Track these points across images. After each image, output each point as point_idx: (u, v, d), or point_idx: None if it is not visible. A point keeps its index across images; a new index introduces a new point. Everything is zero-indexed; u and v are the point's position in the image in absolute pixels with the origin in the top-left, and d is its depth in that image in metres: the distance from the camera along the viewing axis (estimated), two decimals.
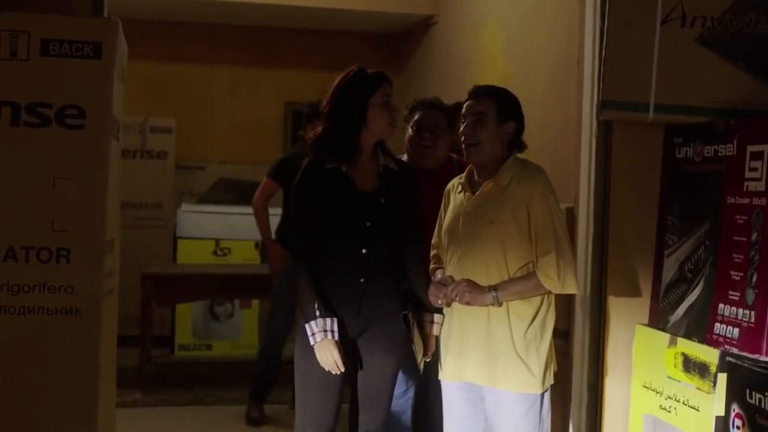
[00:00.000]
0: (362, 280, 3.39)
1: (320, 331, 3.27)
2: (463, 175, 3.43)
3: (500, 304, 3.21)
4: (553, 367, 3.31)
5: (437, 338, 3.46)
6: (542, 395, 3.27)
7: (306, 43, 8.17)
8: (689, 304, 3.48)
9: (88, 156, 2.68)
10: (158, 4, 7.68)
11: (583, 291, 3.81)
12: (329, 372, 3.30)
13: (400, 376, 4.00)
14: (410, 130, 4.11)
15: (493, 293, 3.20)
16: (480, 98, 3.31)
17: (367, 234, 3.39)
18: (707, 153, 3.47)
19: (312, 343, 3.28)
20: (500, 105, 3.30)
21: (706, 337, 3.32)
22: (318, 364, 3.30)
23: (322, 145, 3.44)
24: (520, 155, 3.41)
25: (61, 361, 2.66)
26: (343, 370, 3.30)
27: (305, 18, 7.84)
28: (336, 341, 3.28)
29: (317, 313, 3.29)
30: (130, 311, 6.78)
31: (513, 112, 3.33)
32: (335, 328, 3.29)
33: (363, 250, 3.38)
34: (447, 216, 3.43)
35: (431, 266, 3.52)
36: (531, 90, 5.54)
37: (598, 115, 3.70)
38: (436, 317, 3.44)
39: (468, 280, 3.24)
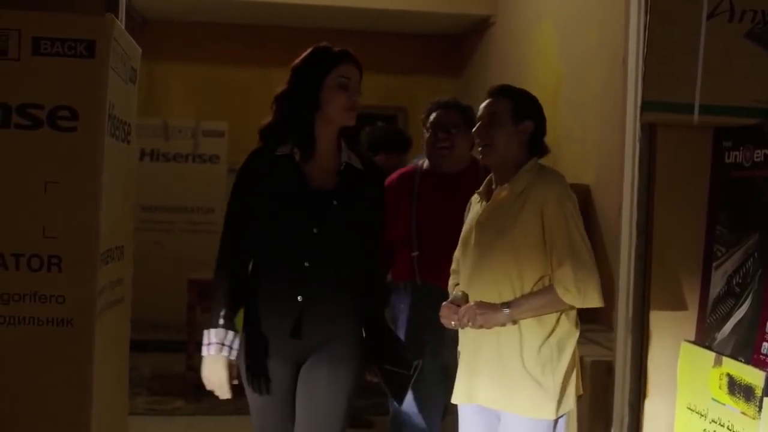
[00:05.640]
0: (300, 298, 2.91)
1: (217, 343, 2.85)
2: (484, 183, 3.19)
3: (515, 322, 2.96)
4: (575, 390, 3.03)
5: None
6: (556, 422, 2.97)
7: (361, 45, 7.94)
8: (737, 320, 3.23)
9: (81, 159, 2.52)
10: (211, 7, 7.65)
11: (625, 304, 3.59)
12: (285, 390, 2.94)
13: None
14: (427, 133, 3.94)
15: (507, 310, 2.95)
16: (495, 97, 3.10)
17: (312, 243, 2.91)
18: (757, 157, 3.22)
19: (203, 353, 2.88)
20: (517, 103, 3.07)
21: (753, 358, 3.07)
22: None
23: (271, 131, 3.03)
24: (542, 161, 3.14)
25: (52, 374, 2.53)
26: (228, 396, 2.90)
27: (360, 19, 7.72)
28: (230, 360, 2.87)
29: (220, 321, 2.86)
30: (179, 316, 6.77)
31: (531, 111, 3.09)
32: (235, 345, 2.87)
33: (305, 263, 2.90)
34: (464, 226, 3.20)
35: (450, 282, 3.29)
36: (584, 91, 5.35)
37: (641, 116, 3.47)
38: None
39: (480, 302, 3.00)
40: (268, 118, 3.07)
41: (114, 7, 3.13)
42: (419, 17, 7.72)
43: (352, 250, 2.98)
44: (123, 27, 2.89)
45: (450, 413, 3.95)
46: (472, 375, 3.06)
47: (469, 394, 3.08)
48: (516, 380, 2.97)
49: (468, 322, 2.99)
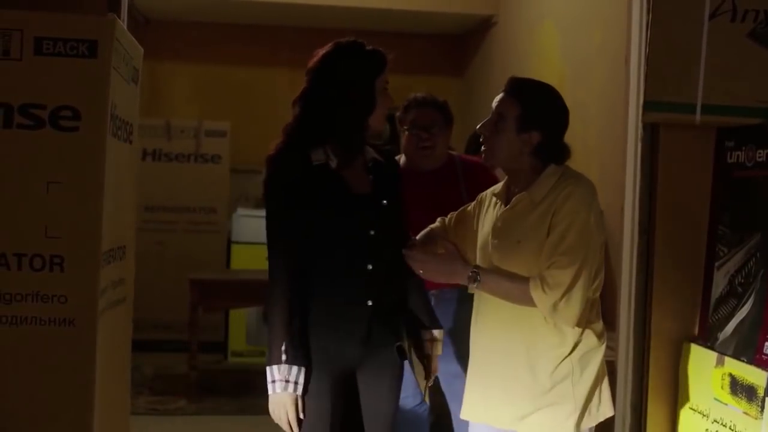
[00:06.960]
0: (370, 302, 2.78)
1: (281, 380, 2.68)
2: (500, 184, 2.95)
3: (469, 288, 2.77)
4: (598, 412, 2.76)
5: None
6: None
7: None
8: (739, 320, 3.23)
9: (83, 159, 2.52)
10: (213, 7, 7.65)
11: (627, 303, 3.60)
12: (322, 404, 2.73)
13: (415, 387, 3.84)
14: (406, 132, 3.92)
15: (472, 285, 2.73)
16: (506, 96, 2.80)
17: (371, 246, 2.80)
18: (759, 157, 3.22)
19: (270, 391, 2.72)
20: (525, 110, 2.76)
21: (755, 358, 3.07)
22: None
23: (311, 134, 2.80)
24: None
25: (53, 374, 2.53)
26: None
27: (363, 19, 7.71)
28: (297, 396, 2.69)
29: (282, 357, 2.67)
30: (181, 316, 6.78)
31: (541, 120, 2.77)
32: (301, 380, 2.68)
33: (369, 266, 2.78)
34: (482, 230, 2.92)
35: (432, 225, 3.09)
36: (586, 91, 5.34)
37: (643, 116, 3.47)
38: (436, 333, 2.95)
39: (441, 258, 2.83)
40: (290, 119, 2.90)
41: (116, 7, 3.14)
42: (422, 17, 7.71)
43: (400, 246, 2.87)
44: (125, 27, 2.89)
45: None
46: (482, 391, 2.86)
47: (478, 412, 2.89)
48: (530, 397, 2.74)
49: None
